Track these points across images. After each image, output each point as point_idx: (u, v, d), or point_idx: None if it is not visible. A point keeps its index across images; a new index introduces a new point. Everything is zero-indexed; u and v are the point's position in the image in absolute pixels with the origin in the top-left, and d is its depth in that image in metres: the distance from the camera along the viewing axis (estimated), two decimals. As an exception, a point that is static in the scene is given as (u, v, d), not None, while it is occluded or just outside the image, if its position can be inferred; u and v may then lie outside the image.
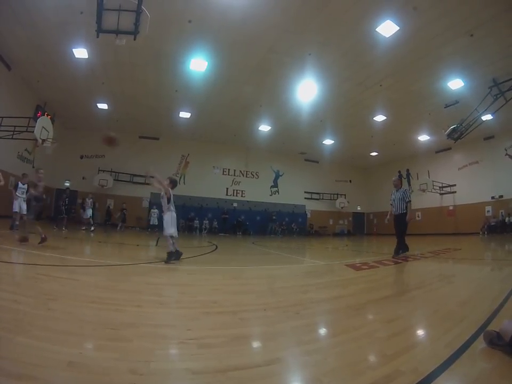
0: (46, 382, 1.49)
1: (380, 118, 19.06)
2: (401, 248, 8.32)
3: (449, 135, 16.33)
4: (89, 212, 15.92)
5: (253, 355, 2.05)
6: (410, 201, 8.25)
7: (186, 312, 2.85)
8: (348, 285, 4.67)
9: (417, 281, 5.23)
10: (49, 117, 14.41)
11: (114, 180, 23.09)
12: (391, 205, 8.56)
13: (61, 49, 12.88)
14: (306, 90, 16.08)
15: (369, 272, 5.78)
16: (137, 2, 8.20)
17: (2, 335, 1.95)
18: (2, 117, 13.29)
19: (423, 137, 22.43)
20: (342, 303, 3.42)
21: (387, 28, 11.14)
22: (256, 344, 2.27)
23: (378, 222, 29.04)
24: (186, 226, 23.65)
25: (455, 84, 14.56)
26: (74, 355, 1.75)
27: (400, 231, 8.38)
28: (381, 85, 15.19)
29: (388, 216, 8.78)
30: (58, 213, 15.77)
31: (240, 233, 24.28)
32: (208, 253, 8.76)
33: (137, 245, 10.30)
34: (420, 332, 2.64)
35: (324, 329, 2.73)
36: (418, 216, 24.98)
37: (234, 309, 3.00)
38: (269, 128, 21.91)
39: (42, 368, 1.59)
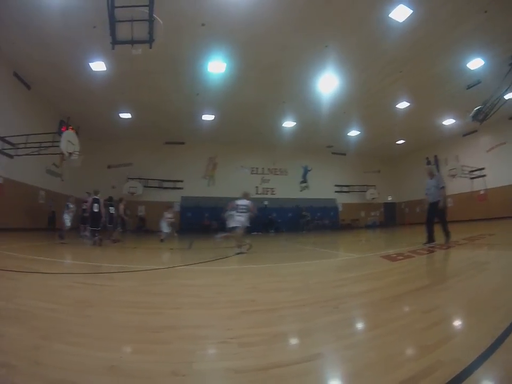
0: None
1: (403, 105, 18.65)
2: (431, 237, 8.02)
3: (474, 117, 15.77)
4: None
5: (293, 352, 2.03)
6: (444, 187, 8.06)
7: (225, 312, 2.84)
8: (384, 276, 4.55)
9: (453, 270, 5.07)
10: (74, 130, 14.75)
11: (144, 186, 23.46)
12: (426, 194, 8.35)
13: (77, 63, 13.25)
14: (327, 83, 15.91)
15: (405, 262, 5.65)
16: (148, 11, 8.28)
17: (41, 343, 1.99)
18: (28, 134, 13.73)
19: (448, 121, 21.70)
20: (379, 295, 3.34)
21: (400, 13, 10.91)
22: (295, 341, 2.26)
23: (410, 211, 28.38)
24: (218, 227, 23.66)
25: (475, 63, 14.10)
26: (114, 359, 1.78)
27: (432, 218, 8.14)
28: (400, 71, 14.83)
29: (426, 206, 8.41)
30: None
31: (272, 231, 23.79)
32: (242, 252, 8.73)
33: (171, 249, 10.45)
34: (459, 321, 2.56)
35: (362, 322, 2.68)
36: (450, 203, 24.26)
37: (272, 307, 2.99)
38: (294, 124, 21.75)
39: (84, 373, 1.62)
